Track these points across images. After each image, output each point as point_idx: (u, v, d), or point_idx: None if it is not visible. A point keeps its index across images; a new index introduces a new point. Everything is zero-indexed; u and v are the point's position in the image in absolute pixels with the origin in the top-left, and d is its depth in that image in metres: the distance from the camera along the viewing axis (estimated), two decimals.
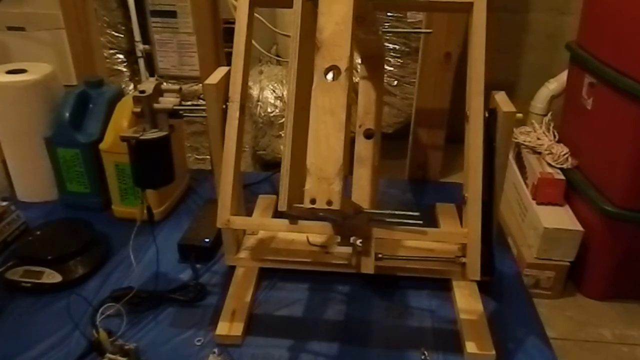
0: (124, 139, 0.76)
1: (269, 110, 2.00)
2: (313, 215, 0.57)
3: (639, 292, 1.69)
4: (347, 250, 0.75)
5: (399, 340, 0.69)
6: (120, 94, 0.95)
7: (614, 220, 1.57)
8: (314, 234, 0.79)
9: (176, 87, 0.82)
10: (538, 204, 1.74)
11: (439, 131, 1.06)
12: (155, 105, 0.79)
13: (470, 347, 0.66)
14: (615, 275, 1.67)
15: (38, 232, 0.83)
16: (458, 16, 0.92)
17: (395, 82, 1.97)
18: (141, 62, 1.67)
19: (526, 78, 2.39)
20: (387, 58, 1.91)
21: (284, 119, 0.58)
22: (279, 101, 2.00)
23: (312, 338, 0.69)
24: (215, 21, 1.62)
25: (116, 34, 1.79)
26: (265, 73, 2.07)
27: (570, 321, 1.65)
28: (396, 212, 0.69)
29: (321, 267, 0.79)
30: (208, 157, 1.64)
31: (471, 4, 0.66)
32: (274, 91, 2.01)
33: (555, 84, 2.08)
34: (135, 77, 1.86)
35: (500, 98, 0.71)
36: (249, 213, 0.90)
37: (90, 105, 0.93)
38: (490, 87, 0.69)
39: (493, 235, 0.73)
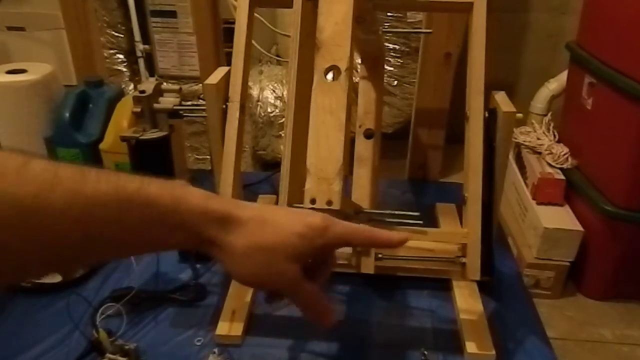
0: (124, 139, 0.77)
1: (269, 110, 2.00)
2: None
3: (639, 292, 1.69)
4: (347, 250, 0.75)
5: (399, 340, 0.69)
6: (120, 94, 0.95)
7: (614, 220, 1.57)
8: None
9: (176, 87, 0.82)
10: (538, 204, 1.74)
11: (439, 131, 1.06)
12: (155, 105, 0.79)
13: (470, 347, 0.66)
14: (615, 275, 1.67)
15: None
16: (458, 16, 0.92)
17: (395, 82, 1.97)
18: (141, 62, 1.67)
19: (526, 78, 2.39)
20: (387, 58, 1.91)
21: (284, 119, 0.58)
22: (279, 101, 2.00)
23: (312, 338, 0.69)
24: (215, 21, 1.62)
25: (116, 34, 1.79)
26: (265, 73, 2.07)
27: (570, 321, 1.65)
28: (396, 212, 0.69)
29: None
30: (208, 157, 1.64)
31: (471, 4, 0.67)
32: (274, 91, 2.01)
33: (555, 84, 2.08)
34: (135, 77, 1.86)
35: (500, 98, 0.71)
36: None
37: (90, 105, 0.93)
38: (490, 87, 0.69)
39: (493, 235, 0.73)
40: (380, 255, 0.73)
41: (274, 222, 0.42)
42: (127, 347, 0.64)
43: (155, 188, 0.38)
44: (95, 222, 0.35)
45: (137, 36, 1.65)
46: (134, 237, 0.38)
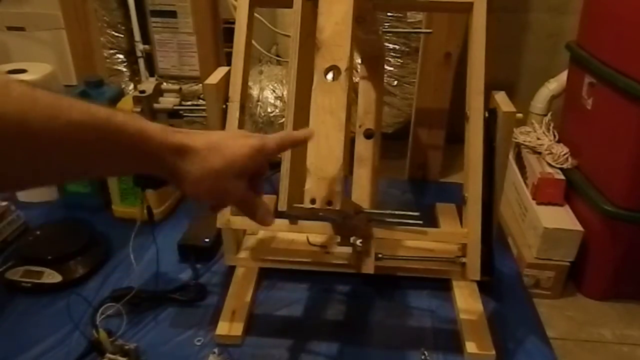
0: None
1: (269, 110, 2.00)
2: (313, 215, 0.57)
3: (639, 292, 1.69)
4: (347, 250, 0.75)
5: (399, 340, 0.69)
6: (120, 94, 0.95)
7: (614, 220, 1.57)
8: (314, 234, 0.79)
9: (176, 87, 0.82)
10: (538, 204, 1.74)
11: (439, 131, 1.06)
12: (155, 105, 0.79)
13: (470, 347, 0.66)
14: (615, 275, 1.67)
15: (38, 232, 0.83)
16: (458, 16, 0.92)
17: (395, 82, 1.96)
18: (141, 62, 1.67)
19: (526, 78, 2.39)
20: (387, 58, 1.90)
21: (284, 119, 0.58)
22: (279, 101, 2.00)
23: (312, 338, 0.69)
24: (215, 21, 1.62)
25: (116, 34, 1.79)
26: (265, 73, 2.07)
27: (570, 321, 1.65)
28: (396, 212, 0.69)
29: (321, 267, 0.79)
30: None
31: (471, 4, 0.67)
32: (274, 91, 2.01)
33: (555, 84, 2.07)
34: (135, 77, 1.86)
35: (500, 98, 0.71)
36: None
37: None
38: (490, 87, 0.69)
39: (493, 235, 0.74)
40: (380, 255, 0.73)
41: (223, 147, 0.47)
42: (127, 347, 0.64)
43: (121, 117, 0.42)
44: (72, 144, 0.39)
45: (137, 36, 1.65)
46: (107, 160, 0.43)
